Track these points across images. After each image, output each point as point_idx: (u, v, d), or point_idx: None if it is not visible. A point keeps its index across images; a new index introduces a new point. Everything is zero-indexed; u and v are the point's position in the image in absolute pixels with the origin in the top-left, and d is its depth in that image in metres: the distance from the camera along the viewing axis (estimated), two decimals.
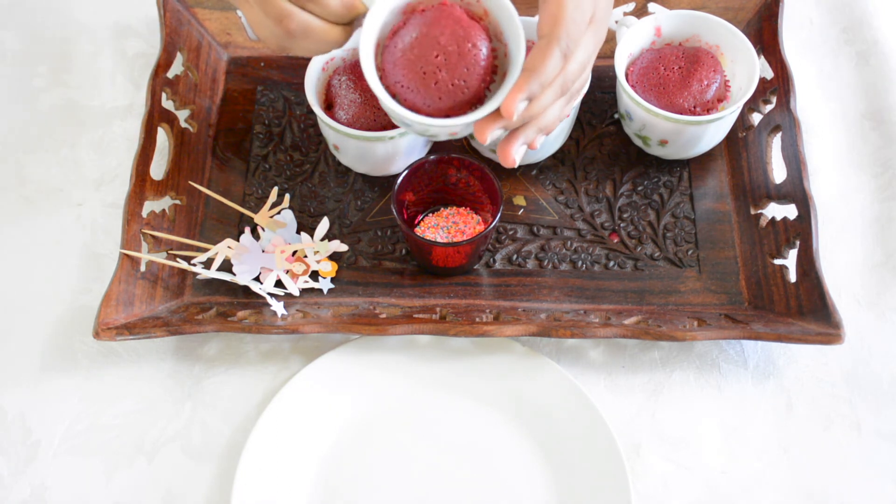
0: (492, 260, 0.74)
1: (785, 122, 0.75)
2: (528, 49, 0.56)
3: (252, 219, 0.75)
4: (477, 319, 0.68)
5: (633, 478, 0.65)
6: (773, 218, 0.73)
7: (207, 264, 0.72)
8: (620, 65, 0.74)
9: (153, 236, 0.72)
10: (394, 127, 0.71)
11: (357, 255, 0.74)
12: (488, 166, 0.69)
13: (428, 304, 0.72)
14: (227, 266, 0.72)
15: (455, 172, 0.70)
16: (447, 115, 0.55)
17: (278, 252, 0.71)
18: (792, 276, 0.70)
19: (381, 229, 0.76)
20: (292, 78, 0.83)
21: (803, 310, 0.68)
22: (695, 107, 0.73)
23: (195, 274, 0.73)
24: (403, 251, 0.74)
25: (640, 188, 0.77)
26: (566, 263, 0.74)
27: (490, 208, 0.70)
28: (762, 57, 0.79)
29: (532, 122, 0.55)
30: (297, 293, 0.71)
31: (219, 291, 0.72)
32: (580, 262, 0.74)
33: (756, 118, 0.78)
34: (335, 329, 0.67)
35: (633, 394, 0.69)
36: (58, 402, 0.69)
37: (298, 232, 0.74)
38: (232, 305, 0.71)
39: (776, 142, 0.76)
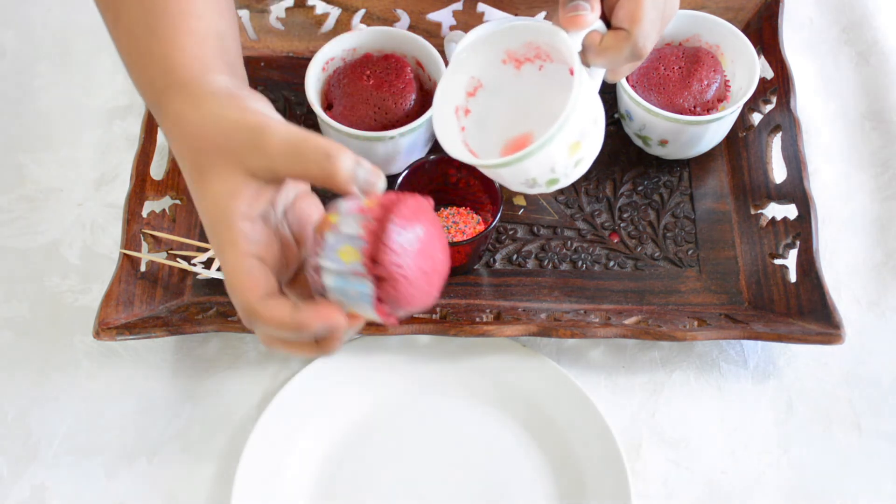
0: (492, 260, 0.74)
1: (785, 122, 0.75)
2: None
3: None
4: (477, 319, 0.68)
5: (633, 478, 0.65)
6: (773, 218, 0.73)
7: (207, 264, 0.72)
8: None
9: (153, 236, 0.72)
10: (394, 126, 0.71)
11: None
12: None
13: None
14: None
15: (455, 172, 0.70)
16: None
17: None
18: (792, 276, 0.70)
19: None
20: (292, 78, 0.83)
21: (803, 310, 0.68)
22: (695, 107, 0.73)
23: (195, 274, 0.73)
24: None
25: (640, 188, 0.77)
26: (566, 263, 0.74)
27: (490, 208, 0.70)
28: (762, 57, 0.79)
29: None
30: None
31: (219, 291, 0.72)
32: (580, 262, 0.74)
33: (756, 118, 0.78)
34: None
35: (633, 394, 0.69)
36: (58, 402, 0.69)
37: None
38: (232, 305, 0.71)
39: (776, 142, 0.76)
